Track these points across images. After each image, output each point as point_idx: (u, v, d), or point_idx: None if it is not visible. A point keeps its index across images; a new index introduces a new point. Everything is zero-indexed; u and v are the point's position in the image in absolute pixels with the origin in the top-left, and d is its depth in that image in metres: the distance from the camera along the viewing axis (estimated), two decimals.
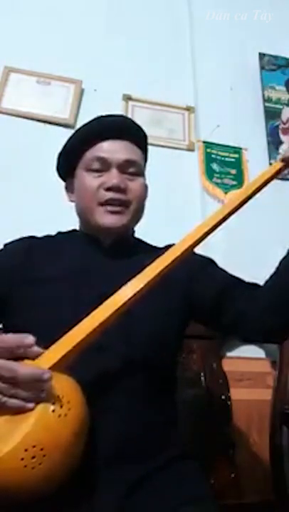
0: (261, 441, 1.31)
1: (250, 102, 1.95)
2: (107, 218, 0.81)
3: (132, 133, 0.87)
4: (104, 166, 0.83)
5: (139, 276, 0.65)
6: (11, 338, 0.55)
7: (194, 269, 0.84)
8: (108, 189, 0.81)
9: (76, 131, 0.89)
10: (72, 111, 1.71)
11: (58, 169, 0.93)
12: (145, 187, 0.88)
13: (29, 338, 0.54)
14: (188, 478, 0.70)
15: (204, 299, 0.81)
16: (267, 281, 0.78)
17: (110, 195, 0.81)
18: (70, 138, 0.89)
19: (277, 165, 0.75)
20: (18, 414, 0.51)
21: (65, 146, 0.90)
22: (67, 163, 0.89)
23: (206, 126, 1.82)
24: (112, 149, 0.83)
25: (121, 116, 0.96)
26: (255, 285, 0.80)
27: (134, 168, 0.85)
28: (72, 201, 0.90)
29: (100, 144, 0.84)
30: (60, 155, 0.91)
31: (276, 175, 0.76)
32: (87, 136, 0.85)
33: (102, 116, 0.87)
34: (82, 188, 0.84)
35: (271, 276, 0.77)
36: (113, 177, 0.81)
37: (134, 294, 0.63)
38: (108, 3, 1.94)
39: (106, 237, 0.84)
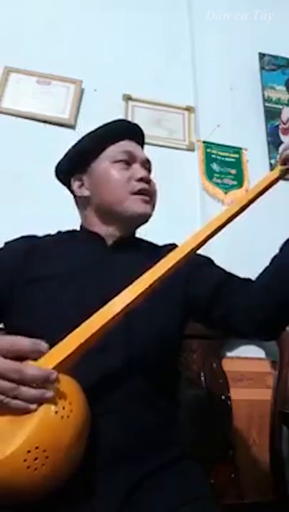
0: (261, 441, 1.32)
1: (250, 102, 1.94)
2: (140, 206, 0.85)
3: (143, 140, 0.97)
4: (131, 159, 0.88)
5: (141, 279, 0.65)
6: (27, 344, 0.54)
7: (192, 268, 0.84)
8: (139, 180, 0.86)
9: (95, 130, 0.91)
10: (72, 111, 1.70)
11: (61, 169, 0.93)
12: None
13: (43, 346, 0.55)
14: (188, 478, 0.70)
15: (199, 297, 0.82)
16: (259, 276, 0.79)
17: (142, 185, 0.86)
18: (88, 135, 0.91)
19: (275, 173, 0.76)
20: (21, 415, 0.51)
21: (79, 143, 0.91)
22: (82, 160, 0.90)
23: (206, 126, 1.82)
24: (134, 147, 0.90)
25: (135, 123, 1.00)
26: (248, 280, 0.82)
27: (150, 168, 0.93)
28: (81, 197, 0.90)
29: (124, 141, 0.90)
30: (70, 152, 0.91)
31: (275, 182, 0.76)
32: (112, 133, 0.90)
33: (122, 120, 0.97)
34: (109, 179, 0.86)
35: (264, 270, 0.78)
36: (141, 170, 0.88)
37: (137, 297, 0.63)
38: (108, 2, 1.94)
39: (123, 229, 0.87)
